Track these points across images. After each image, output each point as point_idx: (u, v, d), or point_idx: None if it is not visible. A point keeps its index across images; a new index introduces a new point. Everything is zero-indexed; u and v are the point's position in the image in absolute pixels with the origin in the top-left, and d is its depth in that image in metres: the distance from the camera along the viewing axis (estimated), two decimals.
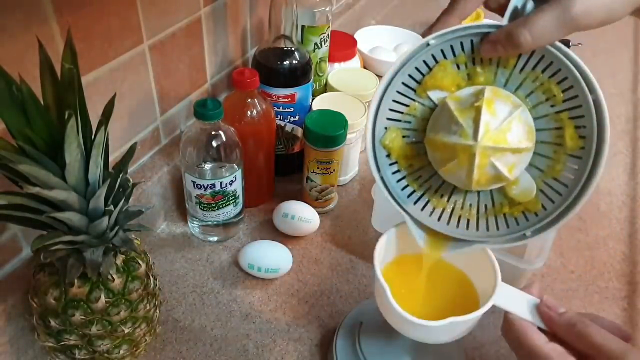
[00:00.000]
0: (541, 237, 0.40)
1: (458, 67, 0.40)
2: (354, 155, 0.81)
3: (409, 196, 0.44)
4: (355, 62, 0.93)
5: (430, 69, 0.41)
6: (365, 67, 1.02)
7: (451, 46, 0.39)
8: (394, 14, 1.33)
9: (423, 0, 1.39)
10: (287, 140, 0.78)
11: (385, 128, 0.43)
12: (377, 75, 0.85)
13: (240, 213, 0.70)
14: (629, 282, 0.69)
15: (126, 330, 0.50)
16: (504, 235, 0.41)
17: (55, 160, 0.40)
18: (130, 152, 0.46)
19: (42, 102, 0.39)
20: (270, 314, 0.63)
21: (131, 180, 0.48)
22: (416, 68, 0.41)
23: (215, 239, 0.71)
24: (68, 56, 0.39)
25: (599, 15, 0.35)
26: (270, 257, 0.66)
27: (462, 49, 0.39)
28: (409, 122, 0.43)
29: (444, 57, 0.40)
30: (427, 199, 0.44)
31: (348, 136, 0.72)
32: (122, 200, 0.45)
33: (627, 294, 0.68)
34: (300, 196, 0.78)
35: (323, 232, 0.74)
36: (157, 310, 0.55)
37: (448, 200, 0.43)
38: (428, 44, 0.39)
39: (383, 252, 0.47)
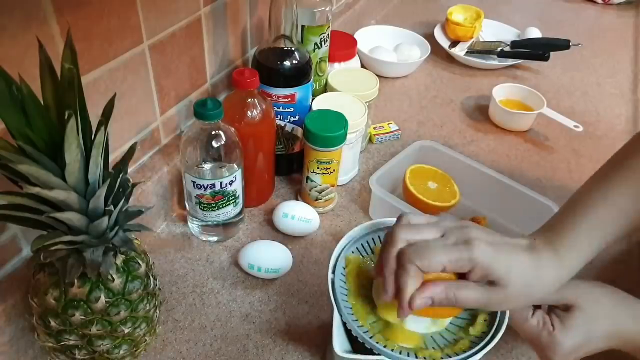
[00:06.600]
0: None
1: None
2: (354, 155, 0.80)
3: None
4: (355, 62, 0.93)
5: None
6: (365, 67, 1.02)
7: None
8: (394, 14, 1.33)
9: (423, 0, 1.40)
10: (287, 140, 0.78)
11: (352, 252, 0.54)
12: (377, 75, 0.85)
13: (240, 213, 0.70)
14: (628, 281, 0.69)
15: (126, 330, 0.50)
16: None
17: (55, 160, 0.40)
18: (130, 152, 0.46)
19: (42, 102, 0.39)
20: (270, 314, 0.63)
21: (131, 180, 0.48)
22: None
23: (215, 239, 0.71)
24: (68, 56, 0.39)
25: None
26: (270, 257, 0.66)
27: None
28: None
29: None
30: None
31: (348, 136, 0.72)
32: (122, 200, 0.45)
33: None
34: (300, 196, 0.78)
35: (323, 232, 0.74)
36: (157, 310, 0.55)
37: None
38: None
39: None
